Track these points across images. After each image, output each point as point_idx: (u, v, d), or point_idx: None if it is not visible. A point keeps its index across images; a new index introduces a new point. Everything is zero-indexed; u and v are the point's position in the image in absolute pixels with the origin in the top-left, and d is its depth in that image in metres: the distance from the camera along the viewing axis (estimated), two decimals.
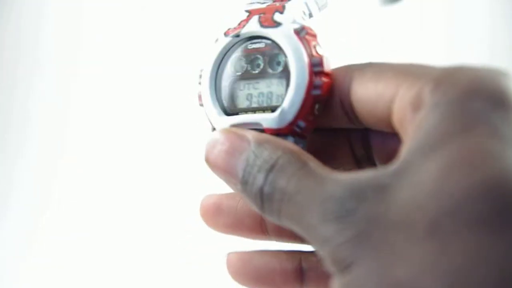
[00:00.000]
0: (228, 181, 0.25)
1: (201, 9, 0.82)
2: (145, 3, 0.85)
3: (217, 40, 0.29)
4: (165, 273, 0.78)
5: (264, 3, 0.29)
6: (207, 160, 0.26)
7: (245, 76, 0.28)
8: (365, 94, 0.25)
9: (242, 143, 0.25)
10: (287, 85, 0.27)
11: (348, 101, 0.26)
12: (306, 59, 0.26)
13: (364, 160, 0.29)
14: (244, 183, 0.24)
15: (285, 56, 0.27)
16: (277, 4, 0.28)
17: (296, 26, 0.27)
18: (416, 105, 0.22)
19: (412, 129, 0.22)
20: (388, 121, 0.24)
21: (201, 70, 0.29)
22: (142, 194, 0.82)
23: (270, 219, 0.24)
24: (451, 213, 0.18)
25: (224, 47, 0.29)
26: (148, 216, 0.81)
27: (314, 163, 0.23)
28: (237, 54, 0.29)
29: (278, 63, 0.28)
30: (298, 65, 0.26)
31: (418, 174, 0.20)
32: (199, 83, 0.29)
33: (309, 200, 0.22)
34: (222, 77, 0.29)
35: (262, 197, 0.24)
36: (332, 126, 0.28)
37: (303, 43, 0.27)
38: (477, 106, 0.20)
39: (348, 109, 0.26)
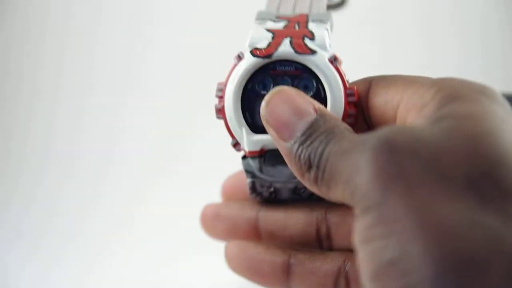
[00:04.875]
0: (280, 136, 0.27)
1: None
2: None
3: (240, 58, 0.30)
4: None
5: (278, 21, 0.30)
6: (270, 113, 0.27)
7: None
8: (378, 101, 0.28)
9: (309, 108, 0.27)
10: None
11: (366, 108, 0.29)
12: (342, 90, 0.29)
13: None
14: (300, 143, 0.26)
15: (317, 83, 0.29)
16: (296, 27, 0.30)
17: (330, 54, 0.29)
18: (420, 106, 0.25)
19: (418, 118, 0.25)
20: (394, 123, 0.28)
21: (221, 84, 0.30)
22: None
23: (308, 174, 0.25)
24: (485, 175, 0.21)
25: (253, 66, 0.29)
26: None
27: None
28: (264, 74, 0.29)
29: (307, 88, 0.29)
30: (336, 96, 0.29)
31: (445, 133, 0.22)
32: (218, 96, 0.30)
33: (352, 149, 0.24)
34: (248, 94, 0.30)
35: (311, 163, 0.25)
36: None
37: (339, 73, 0.29)
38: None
39: (366, 116, 0.29)
